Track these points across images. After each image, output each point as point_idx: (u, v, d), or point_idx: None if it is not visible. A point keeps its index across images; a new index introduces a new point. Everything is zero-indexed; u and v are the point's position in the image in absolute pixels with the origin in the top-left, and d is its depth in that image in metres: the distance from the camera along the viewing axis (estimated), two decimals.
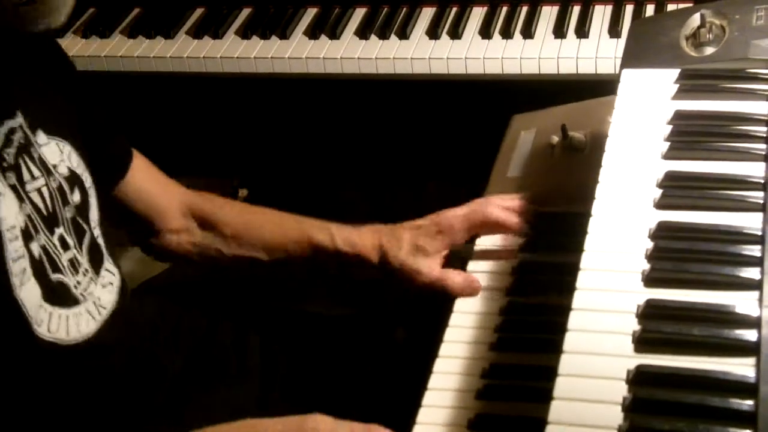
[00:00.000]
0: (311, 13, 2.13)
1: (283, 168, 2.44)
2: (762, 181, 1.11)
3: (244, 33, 2.09)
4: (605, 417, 0.92)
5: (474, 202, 1.34)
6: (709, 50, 1.29)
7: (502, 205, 1.33)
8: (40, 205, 1.12)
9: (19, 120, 1.11)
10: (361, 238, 1.34)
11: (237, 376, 1.39)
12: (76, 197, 1.18)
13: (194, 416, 1.29)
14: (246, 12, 2.16)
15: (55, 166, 1.16)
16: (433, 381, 1.15)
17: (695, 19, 1.32)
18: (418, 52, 1.95)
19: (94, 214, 1.22)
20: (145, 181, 1.37)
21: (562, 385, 0.96)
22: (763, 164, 1.13)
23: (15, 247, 1.06)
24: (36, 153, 1.13)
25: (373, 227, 1.35)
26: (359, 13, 2.09)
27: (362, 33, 2.03)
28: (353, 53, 1.98)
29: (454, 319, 1.24)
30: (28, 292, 1.07)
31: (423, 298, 1.32)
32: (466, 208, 1.33)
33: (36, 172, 1.12)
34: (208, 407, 1.33)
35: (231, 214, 1.40)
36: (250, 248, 1.39)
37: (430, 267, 1.31)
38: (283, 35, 2.07)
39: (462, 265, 1.32)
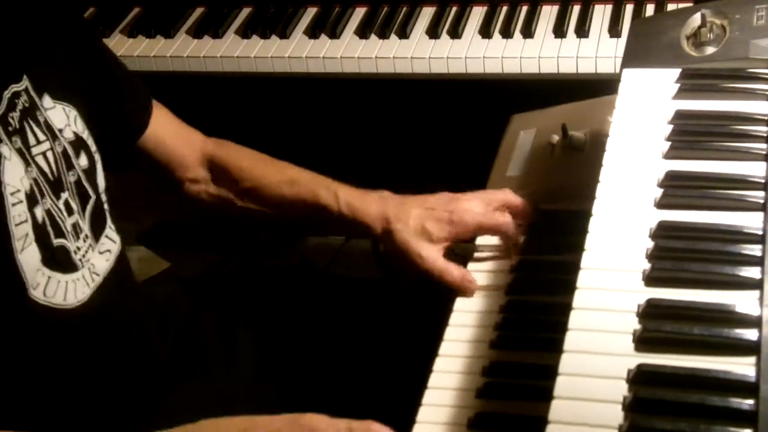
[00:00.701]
0: (311, 12, 2.13)
1: None
2: (762, 181, 1.11)
3: (244, 32, 2.09)
4: (606, 416, 0.92)
5: (493, 197, 1.33)
6: (710, 50, 1.29)
7: (515, 207, 1.33)
8: (46, 169, 1.13)
9: (24, 83, 1.13)
10: (365, 205, 1.34)
11: (226, 367, 1.40)
12: (82, 161, 1.19)
13: (185, 400, 1.31)
14: (246, 11, 2.16)
15: (60, 131, 1.17)
16: (433, 380, 1.15)
17: (696, 19, 1.32)
18: (418, 52, 1.95)
19: (101, 178, 1.23)
20: (166, 132, 1.39)
21: (562, 384, 0.96)
22: (763, 164, 1.13)
23: (18, 212, 1.07)
24: (42, 117, 1.14)
25: (381, 194, 1.35)
26: (359, 13, 2.09)
27: (362, 32, 2.03)
28: (353, 52, 1.98)
29: (455, 317, 1.24)
30: (28, 256, 1.07)
31: (422, 293, 1.32)
32: (482, 208, 1.32)
33: (41, 136, 1.13)
34: (198, 393, 1.34)
35: (246, 169, 1.42)
36: (261, 203, 1.42)
37: (434, 254, 1.30)
38: (283, 34, 2.07)
39: (462, 263, 1.32)
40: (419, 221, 1.30)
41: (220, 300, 1.49)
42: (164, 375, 1.34)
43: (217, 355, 1.41)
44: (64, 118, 1.18)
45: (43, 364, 1.14)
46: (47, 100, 1.16)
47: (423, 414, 1.10)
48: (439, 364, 1.17)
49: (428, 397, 1.12)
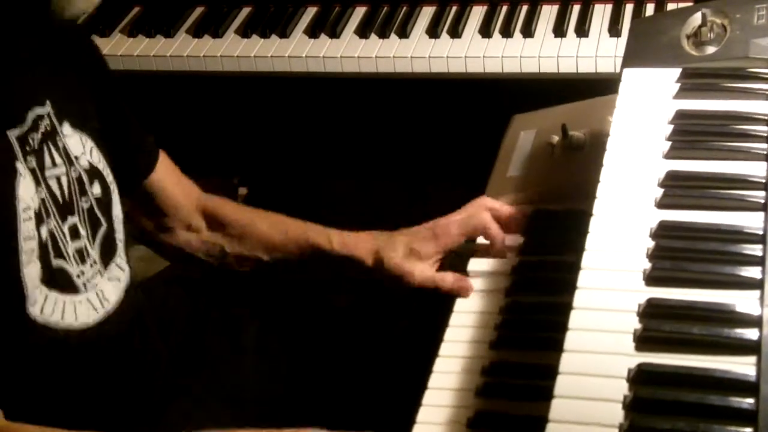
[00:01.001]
0: (311, 11, 2.13)
1: (282, 167, 2.44)
2: (763, 181, 1.11)
3: (244, 32, 2.09)
4: (606, 415, 0.92)
5: (470, 205, 1.38)
6: (710, 49, 1.29)
7: (496, 210, 1.36)
8: (57, 192, 1.15)
9: (47, 108, 1.15)
10: (357, 242, 1.38)
11: (228, 367, 1.40)
12: (96, 190, 1.22)
13: (188, 401, 1.32)
14: (246, 11, 2.16)
15: (77, 158, 1.19)
16: (434, 380, 1.15)
17: (696, 18, 1.32)
18: (418, 51, 1.95)
19: (117, 210, 1.26)
20: (167, 178, 1.42)
21: (562, 384, 0.96)
22: (764, 164, 1.13)
23: (28, 228, 1.09)
24: (61, 142, 1.16)
25: (371, 233, 1.39)
26: (359, 12, 2.09)
27: (362, 32, 2.03)
28: (353, 52, 1.98)
29: (455, 318, 1.25)
30: (31, 272, 1.09)
31: (423, 295, 1.33)
32: (463, 213, 1.37)
33: (58, 160, 1.15)
34: (202, 394, 1.34)
35: (236, 216, 1.46)
36: (252, 248, 1.44)
37: (424, 269, 1.34)
38: (283, 34, 2.07)
39: (462, 264, 1.33)
40: (407, 246, 1.35)
41: (221, 300, 1.49)
42: (166, 376, 1.34)
43: (219, 356, 1.42)
44: (80, 146, 1.20)
45: (43, 377, 1.15)
46: (67, 128, 1.18)
47: (423, 414, 1.10)
48: (439, 364, 1.17)
49: (428, 397, 1.12)
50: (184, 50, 2.08)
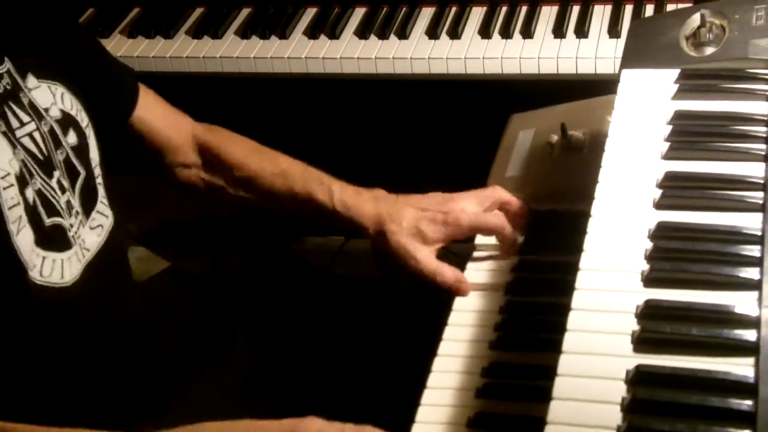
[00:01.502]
0: (311, 12, 2.12)
1: None
2: (762, 182, 1.11)
3: (244, 33, 2.09)
4: (604, 417, 0.92)
5: (483, 197, 1.33)
6: (709, 50, 1.29)
7: (507, 203, 1.33)
8: (34, 149, 1.13)
9: (6, 65, 1.13)
10: (359, 203, 1.33)
11: (227, 365, 1.40)
12: (71, 139, 1.19)
13: (187, 397, 1.32)
14: (245, 12, 2.16)
15: (46, 110, 1.16)
16: (432, 379, 1.15)
17: (695, 19, 1.32)
18: (418, 52, 1.95)
19: (94, 154, 1.23)
20: (154, 116, 1.38)
21: (561, 385, 0.96)
22: (762, 164, 1.13)
23: (10, 195, 1.07)
24: (26, 98, 1.14)
25: (375, 194, 1.35)
26: (359, 13, 2.09)
27: (362, 33, 2.03)
28: (353, 53, 1.98)
29: (453, 317, 1.24)
30: (23, 238, 1.08)
31: (421, 291, 1.32)
32: (476, 207, 1.31)
33: (25, 118, 1.13)
34: (200, 390, 1.34)
35: (239, 157, 1.41)
36: (253, 194, 1.41)
37: (427, 256, 1.30)
38: (283, 35, 2.07)
39: (461, 263, 1.32)
40: (413, 222, 1.30)
41: (221, 299, 1.49)
42: (167, 370, 1.34)
43: (217, 354, 1.41)
44: (49, 96, 1.17)
45: (46, 347, 1.14)
46: (31, 80, 1.16)
47: (422, 414, 1.10)
48: (438, 363, 1.17)
49: (427, 396, 1.12)
50: (183, 51, 2.08)
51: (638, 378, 0.94)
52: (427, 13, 2.05)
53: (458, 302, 1.27)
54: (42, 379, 1.16)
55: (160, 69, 2.09)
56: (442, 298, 1.28)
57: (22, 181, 1.09)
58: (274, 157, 1.42)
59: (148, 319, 1.35)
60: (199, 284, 1.54)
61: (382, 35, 2.01)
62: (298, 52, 2.02)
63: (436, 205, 1.32)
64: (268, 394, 1.37)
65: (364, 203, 1.33)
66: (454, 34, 1.97)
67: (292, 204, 1.38)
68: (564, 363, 0.98)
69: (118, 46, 2.12)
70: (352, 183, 1.40)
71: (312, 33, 2.06)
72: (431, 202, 1.32)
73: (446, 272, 1.28)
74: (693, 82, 1.26)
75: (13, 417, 1.07)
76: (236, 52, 2.05)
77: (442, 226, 1.30)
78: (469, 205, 1.31)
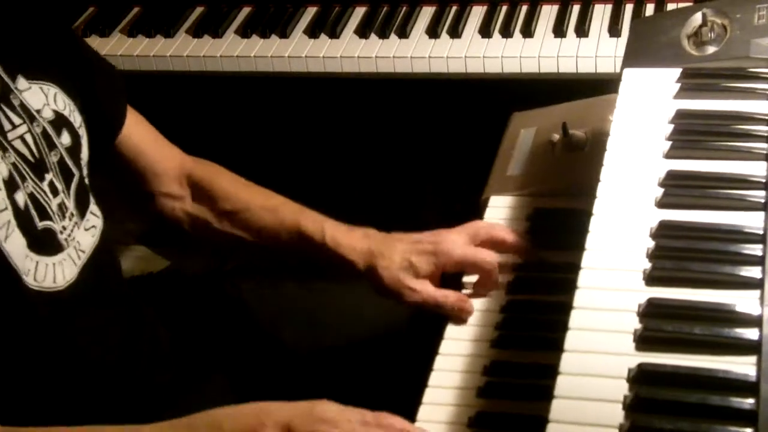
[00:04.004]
0: (311, 11, 2.12)
1: (281, 166, 2.44)
2: (763, 180, 1.11)
3: (244, 32, 2.09)
4: (606, 415, 0.92)
5: (474, 230, 1.30)
6: (711, 49, 1.29)
7: (501, 241, 1.30)
8: (26, 152, 1.11)
9: None
10: (349, 240, 1.31)
11: (228, 363, 1.40)
12: (65, 139, 1.17)
13: (191, 395, 1.31)
14: (246, 11, 2.16)
15: (38, 111, 1.15)
16: (434, 378, 1.15)
17: (696, 18, 1.32)
18: (418, 51, 1.95)
19: (85, 153, 1.21)
20: (141, 141, 1.36)
21: (563, 384, 0.96)
22: (764, 163, 1.13)
23: None
24: (17, 100, 1.13)
25: (366, 231, 1.32)
26: (359, 12, 2.09)
27: (362, 32, 2.03)
28: (353, 52, 1.98)
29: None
30: (13, 244, 1.07)
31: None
32: (467, 240, 1.29)
33: (16, 120, 1.12)
34: (204, 387, 1.34)
35: (227, 190, 1.39)
36: (241, 228, 1.38)
37: (426, 284, 1.27)
38: (283, 34, 2.06)
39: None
40: (406, 256, 1.28)
41: (220, 298, 1.49)
42: (169, 369, 1.33)
43: (219, 351, 1.41)
44: (42, 97, 1.16)
45: (45, 351, 1.14)
46: (21, 82, 1.15)
47: (423, 413, 1.11)
48: (439, 362, 1.17)
49: (428, 395, 1.13)
50: (183, 50, 2.08)
51: (640, 376, 0.94)
52: (427, 12, 2.05)
53: None
54: (43, 382, 1.16)
55: (160, 68, 2.09)
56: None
57: (12, 185, 1.08)
58: (264, 192, 1.40)
59: (149, 317, 1.35)
60: (199, 283, 1.54)
61: (383, 34, 2.01)
62: (298, 51, 2.02)
63: (426, 236, 1.30)
64: (269, 392, 1.36)
65: (355, 240, 1.31)
66: (455, 33, 1.97)
67: (281, 239, 1.35)
68: (566, 361, 0.98)
69: (119, 45, 2.12)
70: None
71: (312, 32, 2.06)
72: (421, 235, 1.30)
73: (449, 296, 1.26)
74: (694, 81, 1.26)
75: (16, 421, 1.07)
76: (236, 51, 2.05)
77: (433, 257, 1.27)
78: (460, 238, 1.29)
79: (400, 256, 1.28)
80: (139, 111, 1.41)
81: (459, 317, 1.24)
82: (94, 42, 2.14)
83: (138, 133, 1.35)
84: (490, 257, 1.27)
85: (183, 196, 1.40)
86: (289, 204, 1.38)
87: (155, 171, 1.37)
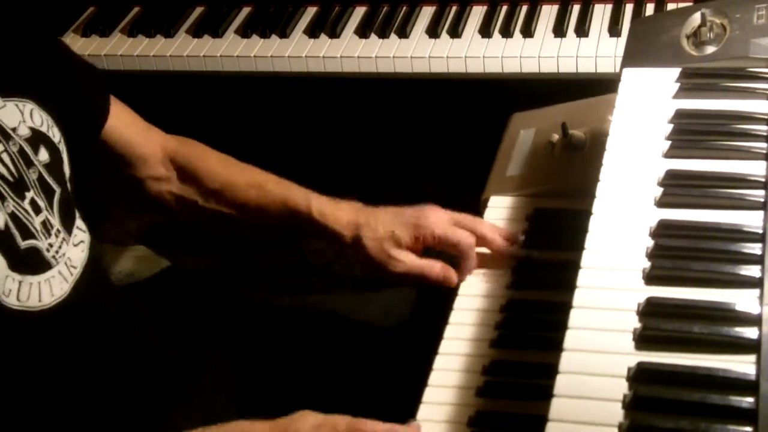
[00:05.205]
0: (311, 11, 2.13)
1: (281, 166, 2.44)
2: (763, 180, 1.11)
3: (244, 31, 2.09)
4: (606, 414, 0.92)
5: (460, 216, 1.31)
6: (710, 49, 1.29)
7: (487, 240, 1.30)
8: (4, 171, 1.10)
9: None
10: (336, 211, 1.33)
11: (229, 364, 1.40)
12: (42, 156, 1.16)
13: (186, 407, 1.31)
14: (246, 11, 2.16)
15: (14, 129, 1.13)
16: (434, 378, 1.15)
17: (696, 18, 1.32)
18: (418, 51, 1.95)
19: (66, 168, 1.20)
20: (125, 129, 1.35)
21: (562, 383, 0.96)
22: (763, 163, 1.13)
23: None
24: None
25: (352, 204, 1.34)
26: (359, 12, 2.09)
27: (362, 32, 2.03)
28: (353, 52, 1.99)
29: (455, 315, 1.24)
30: None
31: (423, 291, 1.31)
32: (449, 218, 1.30)
33: None
34: (201, 397, 1.33)
35: (213, 168, 1.39)
36: (228, 206, 1.38)
37: (410, 255, 1.29)
38: (283, 34, 2.07)
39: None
40: (389, 227, 1.30)
41: (220, 298, 1.49)
42: (165, 375, 1.33)
43: (218, 354, 1.41)
44: (17, 114, 1.14)
45: (29, 370, 1.12)
46: None
47: (423, 412, 1.11)
48: (439, 362, 1.17)
49: (428, 395, 1.13)
50: (184, 50, 2.08)
51: (640, 375, 0.95)
52: (427, 12, 2.05)
53: (459, 301, 1.27)
54: (33, 397, 1.14)
55: (160, 68, 2.09)
56: (443, 296, 1.28)
57: None
58: (250, 169, 1.40)
59: (139, 322, 1.34)
60: (200, 283, 1.54)
61: (383, 34, 2.01)
62: (298, 51, 2.02)
63: (411, 210, 1.31)
64: (270, 392, 1.37)
65: (341, 212, 1.33)
66: (455, 33, 1.97)
67: (267, 215, 1.36)
68: (565, 360, 0.98)
69: (119, 45, 2.13)
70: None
71: (312, 32, 2.06)
72: (405, 209, 1.32)
73: (435, 266, 1.28)
74: (694, 81, 1.26)
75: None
76: (237, 51, 2.05)
77: (414, 229, 1.29)
78: (441, 218, 1.30)
79: (384, 226, 1.30)
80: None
81: (445, 285, 1.26)
82: (94, 42, 2.15)
83: (121, 122, 1.35)
84: (468, 239, 1.28)
85: (169, 178, 1.40)
86: (274, 179, 1.38)
87: (140, 156, 1.37)
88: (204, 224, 1.42)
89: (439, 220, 1.30)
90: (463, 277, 1.28)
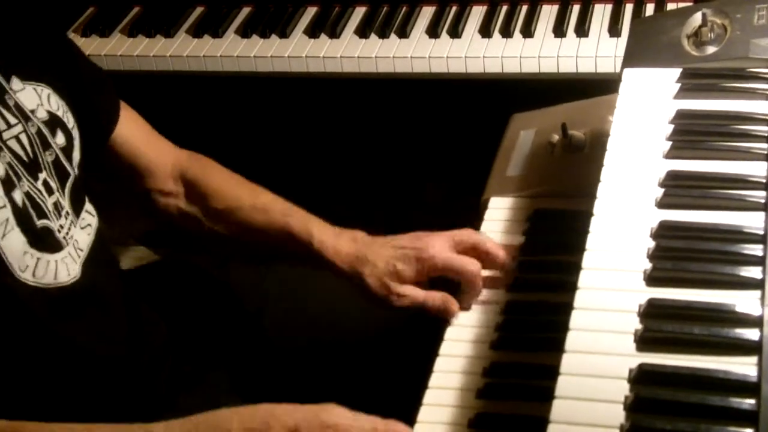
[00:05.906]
0: (311, 11, 2.13)
1: (281, 166, 2.45)
2: (763, 181, 1.11)
3: (244, 32, 2.09)
4: (607, 416, 0.92)
5: (458, 238, 1.30)
6: (711, 49, 1.29)
7: (487, 253, 1.29)
8: (20, 152, 1.12)
9: None
10: (335, 244, 1.32)
11: (231, 361, 1.40)
12: (59, 140, 1.18)
13: (191, 395, 1.31)
14: (246, 11, 2.16)
15: (33, 111, 1.16)
16: (434, 379, 1.15)
17: (696, 18, 1.32)
18: (418, 51, 1.95)
19: (76, 154, 1.22)
20: (136, 139, 1.37)
21: (563, 384, 0.96)
22: (764, 163, 1.13)
23: None
24: (11, 100, 1.14)
25: (354, 235, 1.33)
26: (359, 12, 2.09)
27: (362, 32, 2.03)
28: (353, 52, 1.98)
29: (455, 317, 1.24)
30: (11, 241, 1.07)
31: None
32: (450, 244, 1.29)
33: (12, 120, 1.12)
34: (206, 388, 1.34)
35: (220, 188, 1.40)
36: (231, 227, 1.39)
37: (410, 289, 1.28)
38: (283, 34, 2.07)
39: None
40: (391, 262, 1.29)
41: (223, 290, 1.49)
42: (172, 363, 1.33)
43: (217, 344, 1.41)
44: (35, 98, 1.17)
45: (41, 347, 1.14)
46: (16, 82, 1.15)
47: (424, 414, 1.10)
48: (440, 363, 1.17)
49: (429, 396, 1.12)
50: (184, 50, 2.08)
51: (641, 377, 0.94)
52: (427, 12, 2.05)
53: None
54: (40, 378, 1.15)
55: (160, 68, 2.09)
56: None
57: (9, 184, 1.09)
58: (255, 190, 1.40)
59: (147, 311, 1.35)
60: (203, 275, 1.54)
61: (383, 34, 2.01)
62: (298, 51, 2.02)
63: (410, 242, 1.30)
64: (270, 392, 1.36)
65: (341, 244, 1.32)
66: (455, 33, 1.97)
67: (269, 238, 1.37)
68: (566, 362, 0.98)
69: (119, 45, 2.12)
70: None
71: (312, 32, 2.06)
72: (405, 240, 1.30)
73: (436, 298, 1.27)
74: (695, 82, 1.26)
75: (17, 415, 1.07)
76: (237, 51, 2.05)
77: (416, 263, 1.28)
78: (443, 242, 1.29)
79: (385, 261, 1.29)
80: (139, 111, 1.41)
81: (444, 317, 1.24)
82: (94, 42, 2.15)
83: (132, 131, 1.36)
84: (472, 266, 1.26)
85: (177, 193, 1.40)
86: (278, 202, 1.38)
87: (149, 168, 1.38)
88: (206, 239, 1.42)
89: (441, 248, 1.28)
90: (466, 305, 1.26)
